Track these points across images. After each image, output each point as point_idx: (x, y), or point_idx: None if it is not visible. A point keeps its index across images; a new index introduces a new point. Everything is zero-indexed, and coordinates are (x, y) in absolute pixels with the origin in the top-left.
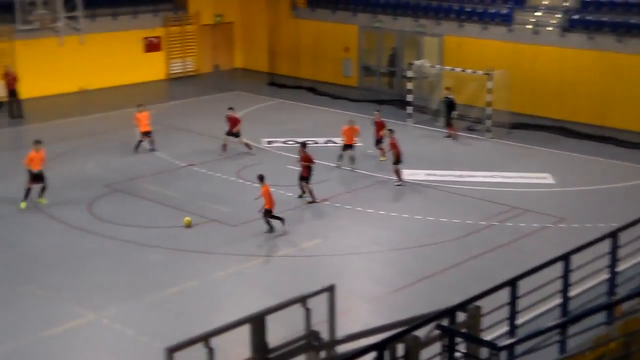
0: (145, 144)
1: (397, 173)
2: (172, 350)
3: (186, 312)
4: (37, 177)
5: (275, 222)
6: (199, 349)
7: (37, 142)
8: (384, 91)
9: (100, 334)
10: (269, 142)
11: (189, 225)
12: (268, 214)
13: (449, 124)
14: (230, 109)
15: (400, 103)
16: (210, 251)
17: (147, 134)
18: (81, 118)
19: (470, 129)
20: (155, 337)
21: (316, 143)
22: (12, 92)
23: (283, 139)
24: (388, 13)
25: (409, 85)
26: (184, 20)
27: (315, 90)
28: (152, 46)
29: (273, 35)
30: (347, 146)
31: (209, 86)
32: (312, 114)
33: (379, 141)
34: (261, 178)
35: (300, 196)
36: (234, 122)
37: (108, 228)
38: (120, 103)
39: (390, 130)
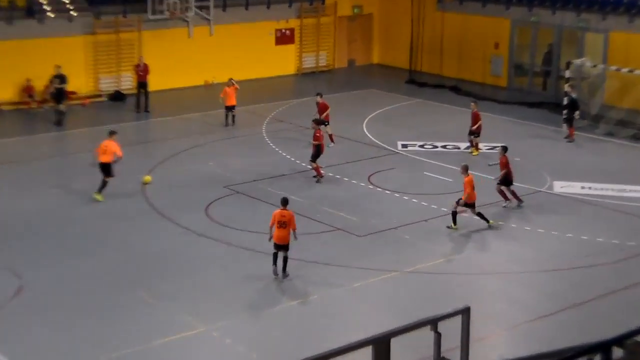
0: (230, 118)
1: (502, 193)
2: None
3: (302, 329)
4: (102, 169)
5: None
6: None
7: (112, 133)
8: (537, 92)
9: (209, 348)
10: (404, 146)
11: (146, 183)
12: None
13: (570, 125)
14: (319, 94)
15: (555, 106)
16: (333, 263)
17: (231, 108)
18: (205, 113)
19: (636, 138)
20: (266, 355)
21: (458, 148)
22: (142, 85)
23: (420, 143)
24: (546, 6)
25: (566, 87)
26: (320, 12)
27: (459, 89)
28: (284, 39)
29: (415, 29)
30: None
31: (343, 83)
32: (454, 115)
33: (472, 133)
34: (284, 202)
35: (317, 181)
36: (323, 108)
37: (225, 233)
38: (248, 98)
39: (503, 147)
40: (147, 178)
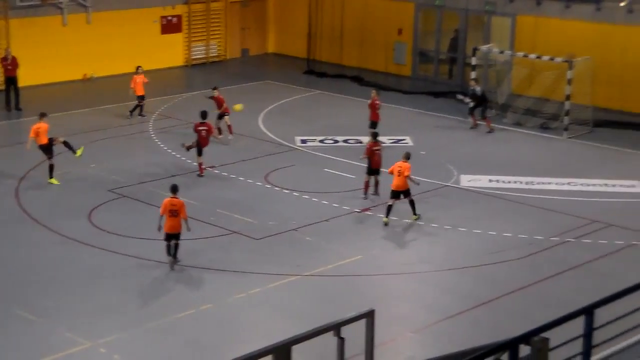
0: (137, 109)
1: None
2: None
3: (198, 340)
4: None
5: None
6: None
7: (42, 115)
8: (443, 81)
9: None
10: (303, 141)
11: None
12: None
13: (472, 115)
14: (215, 88)
15: (462, 96)
16: (230, 269)
17: (140, 98)
18: (85, 111)
19: (544, 127)
20: None
21: (360, 142)
22: (11, 80)
23: (320, 138)
24: None
25: (473, 75)
26: None
27: (361, 80)
28: (170, 27)
29: (313, 14)
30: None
31: (236, 74)
32: (356, 108)
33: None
34: (174, 189)
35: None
36: (219, 103)
37: (111, 241)
38: (132, 93)
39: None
40: (238, 106)
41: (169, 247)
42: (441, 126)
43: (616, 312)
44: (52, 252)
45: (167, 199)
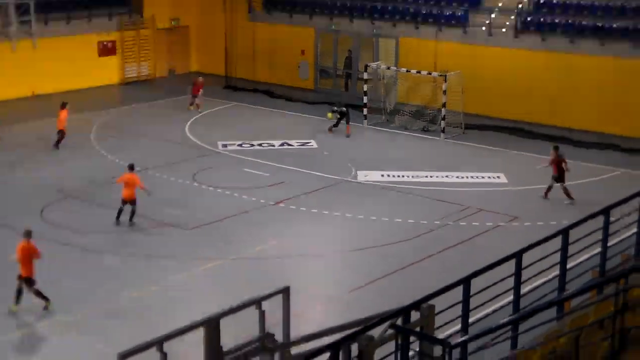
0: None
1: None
2: (124, 356)
3: (142, 318)
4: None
5: None
6: (154, 354)
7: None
8: (340, 93)
9: (56, 341)
10: (224, 146)
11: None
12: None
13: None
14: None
15: (355, 106)
16: (165, 255)
17: (61, 131)
18: (33, 123)
19: (425, 130)
20: (110, 344)
21: (272, 146)
22: None
23: (239, 142)
24: (345, 15)
25: (365, 87)
26: (139, 24)
27: (271, 93)
28: (106, 50)
29: (229, 38)
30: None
31: (164, 90)
32: (268, 117)
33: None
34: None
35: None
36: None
37: (62, 235)
38: (74, 107)
39: (555, 147)
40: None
41: (120, 211)
42: (340, 130)
43: (488, 281)
44: (8, 246)
45: (127, 174)
